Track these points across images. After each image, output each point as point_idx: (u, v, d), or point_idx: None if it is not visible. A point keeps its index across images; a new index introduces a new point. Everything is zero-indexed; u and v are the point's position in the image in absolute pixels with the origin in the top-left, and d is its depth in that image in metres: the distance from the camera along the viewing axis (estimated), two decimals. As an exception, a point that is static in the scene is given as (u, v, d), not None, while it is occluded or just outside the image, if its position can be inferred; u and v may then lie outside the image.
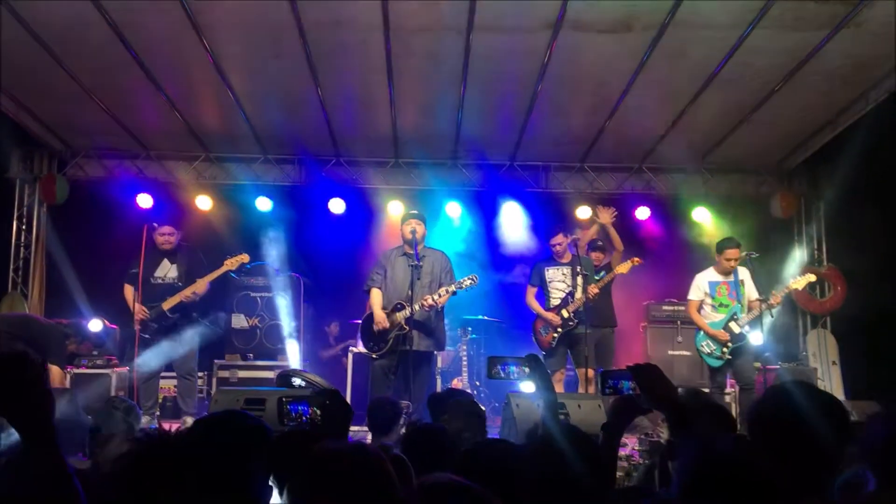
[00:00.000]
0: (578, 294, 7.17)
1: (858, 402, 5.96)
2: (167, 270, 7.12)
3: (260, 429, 1.87)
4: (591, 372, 6.98)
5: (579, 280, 7.20)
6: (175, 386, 7.52)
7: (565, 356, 7.39)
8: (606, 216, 8.30)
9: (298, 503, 1.69)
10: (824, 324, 9.45)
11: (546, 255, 7.61)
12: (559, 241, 7.38)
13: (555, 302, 7.37)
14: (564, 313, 7.19)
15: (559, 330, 7.23)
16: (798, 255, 9.62)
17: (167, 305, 6.94)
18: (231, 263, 7.22)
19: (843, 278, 9.13)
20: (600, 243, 8.25)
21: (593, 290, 7.17)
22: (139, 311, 6.91)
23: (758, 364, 7.22)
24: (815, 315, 9.46)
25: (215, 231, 9.13)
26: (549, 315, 7.30)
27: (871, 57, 6.50)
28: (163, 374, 7.31)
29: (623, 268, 7.41)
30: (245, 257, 7.31)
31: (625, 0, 5.80)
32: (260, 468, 1.80)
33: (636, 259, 7.44)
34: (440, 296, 6.49)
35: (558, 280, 7.39)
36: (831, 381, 8.82)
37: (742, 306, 6.95)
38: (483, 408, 4.62)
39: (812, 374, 8.42)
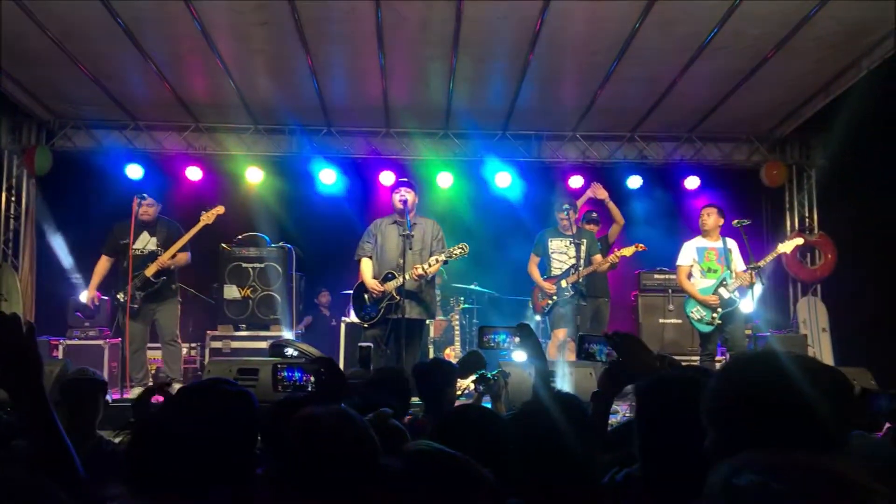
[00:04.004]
0: (583, 268, 7.18)
1: (848, 369, 5.99)
2: (146, 242, 7.15)
3: (244, 396, 1.85)
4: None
5: (583, 251, 7.21)
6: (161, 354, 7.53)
7: (565, 318, 7.36)
8: (603, 192, 8.27)
9: (283, 469, 1.70)
10: (815, 291, 9.49)
11: (550, 226, 7.61)
12: (569, 215, 7.34)
13: (555, 272, 7.39)
14: (563, 283, 7.23)
15: (554, 297, 7.27)
16: (789, 224, 9.66)
17: (150, 272, 6.97)
18: (207, 217, 7.19)
19: (834, 246, 9.16)
20: (594, 215, 8.26)
21: (603, 265, 7.32)
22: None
23: (748, 331, 7.25)
24: (806, 283, 9.51)
25: (206, 202, 9.05)
26: (546, 283, 7.35)
27: (864, 23, 6.45)
28: (148, 344, 7.34)
29: (627, 251, 7.42)
30: (221, 209, 7.26)
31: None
32: (245, 436, 1.79)
33: (640, 245, 7.45)
34: (430, 265, 6.47)
35: (561, 251, 7.42)
36: (821, 349, 8.88)
37: (731, 272, 6.98)
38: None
39: (802, 342, 8.47)
